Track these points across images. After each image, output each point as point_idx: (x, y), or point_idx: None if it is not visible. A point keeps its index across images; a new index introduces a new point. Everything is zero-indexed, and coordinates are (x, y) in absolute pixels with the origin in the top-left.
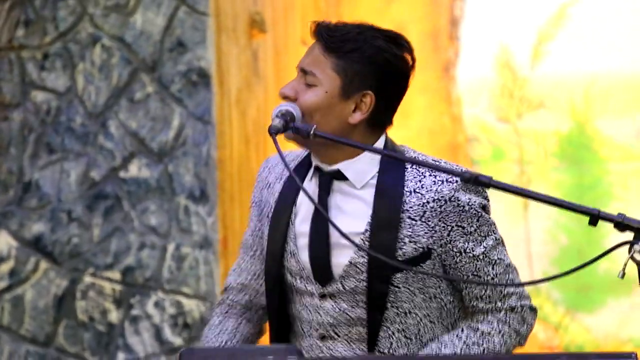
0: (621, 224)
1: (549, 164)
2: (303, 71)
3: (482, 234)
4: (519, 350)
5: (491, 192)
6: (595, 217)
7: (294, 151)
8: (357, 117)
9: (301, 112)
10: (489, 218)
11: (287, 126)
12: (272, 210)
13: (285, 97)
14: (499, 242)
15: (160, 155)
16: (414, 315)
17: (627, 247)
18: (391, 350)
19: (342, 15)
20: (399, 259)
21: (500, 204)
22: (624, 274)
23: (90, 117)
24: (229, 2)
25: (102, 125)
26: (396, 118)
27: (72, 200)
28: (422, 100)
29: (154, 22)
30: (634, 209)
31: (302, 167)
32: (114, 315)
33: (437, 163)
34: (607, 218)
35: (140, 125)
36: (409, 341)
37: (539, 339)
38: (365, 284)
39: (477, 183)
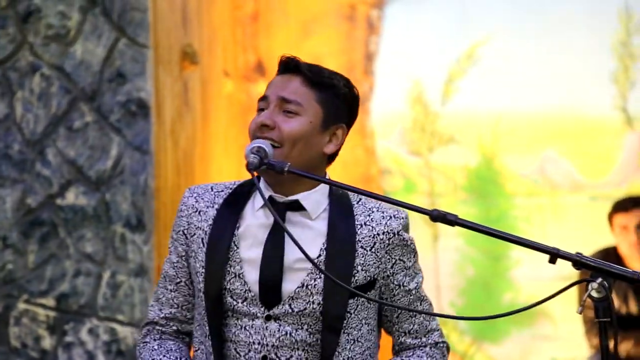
0: (579, 262)
1: (457, 197)
2: (284, 100)
3: (415, 270)
4: None
5: None
6: (554, 256)
7: (222, 182)
8: (331, 147)
9: (281, 140)
10: (418, 257)
11: (262, 162)
12: (207, 235)
13: (263, 126)
14: (422, 280)
15: (97, 184)
16: (360, 345)
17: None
18: None
19: (259, 48)
20: (352, 285)
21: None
22: (582, 310)
23: (28, 144)
24: (164, 34)
25: (40, 152)
26: None
27: (7, 227)
28: None
29: (94, 53)
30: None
31: (241, 197)
32: (47, 342)
33: (383, 203)
34: (566, 257)
35: (78, 154)
36: None
37: None
38: (315, 306)
39: (445, 221)
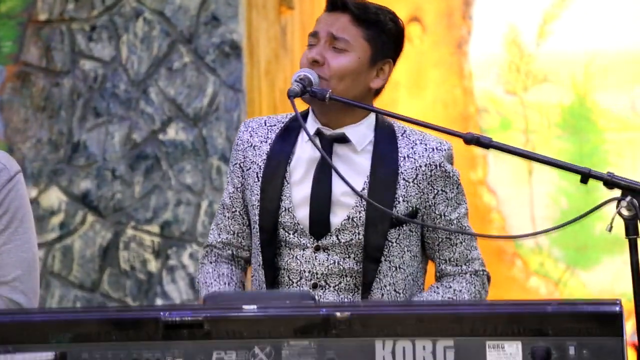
0: (610, 181)
1: (551, 133)
2: (333, 37)
3: (458, 201)
4: None
5: (499, 160)
6: (586, 176)
7: (276, 116)
8: (377, 82)
9: (329, 76)
10: (463, 189)
11: (305, 90)
12: (262, 169)
13: (314, 62)
14: (467, 212)
15: (195, 120)
16: (402, 271)
17: (615, 204)
18: None
19: None
20: (393, 216)
21: (507, 171)
22: (611, 228)
23: (133, 84)
24: None
25: (143, 91)
26: (412, 90)
27: (115, 160)
28: (436, 74)
29: None
30: (628, 175)
31: (292, 131)
32: (153, 265)
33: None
34: (597, 177)
35: (177, 92)
36: (397, 295)
37: (541, 293)
38: (360, 237)
39: (479, 144)
